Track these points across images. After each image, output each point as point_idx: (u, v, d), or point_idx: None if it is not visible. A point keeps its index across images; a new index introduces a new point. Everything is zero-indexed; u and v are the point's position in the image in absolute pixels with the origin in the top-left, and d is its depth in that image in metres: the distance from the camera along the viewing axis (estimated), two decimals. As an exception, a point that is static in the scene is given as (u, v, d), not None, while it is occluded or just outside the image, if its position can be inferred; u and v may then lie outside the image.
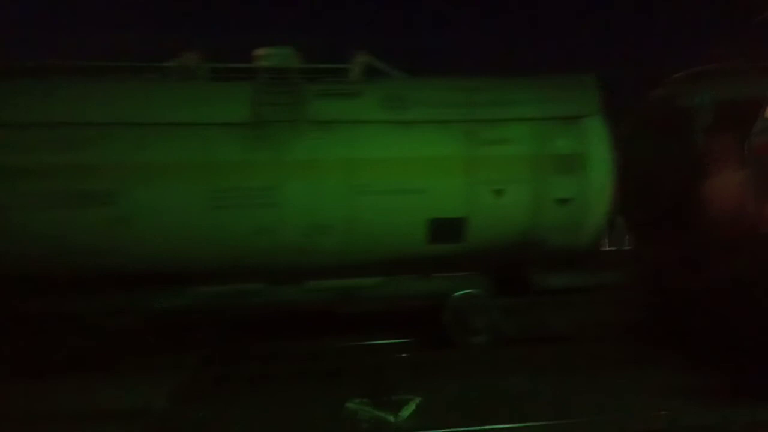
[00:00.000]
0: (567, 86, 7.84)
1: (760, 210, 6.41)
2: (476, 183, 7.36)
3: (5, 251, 6.69)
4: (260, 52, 7.79)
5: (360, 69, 7.83)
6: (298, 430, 5.27)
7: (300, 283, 7.54)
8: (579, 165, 7.54)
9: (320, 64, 7.77)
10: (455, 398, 5.81)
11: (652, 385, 6.05)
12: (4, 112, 6.77)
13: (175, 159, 6.95)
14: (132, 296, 7.17)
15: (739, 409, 5.25)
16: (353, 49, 7.95)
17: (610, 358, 7.11)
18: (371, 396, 5.63)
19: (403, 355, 7.54)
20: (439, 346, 7.71)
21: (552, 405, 5.56)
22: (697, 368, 6.55)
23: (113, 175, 6.81)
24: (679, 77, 9.01)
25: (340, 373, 6.76)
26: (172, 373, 6.74)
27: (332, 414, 5.42)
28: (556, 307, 7.86)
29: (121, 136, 6.89)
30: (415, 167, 7.28)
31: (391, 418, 5.29)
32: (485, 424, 5.08)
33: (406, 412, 5.40)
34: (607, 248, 11.95)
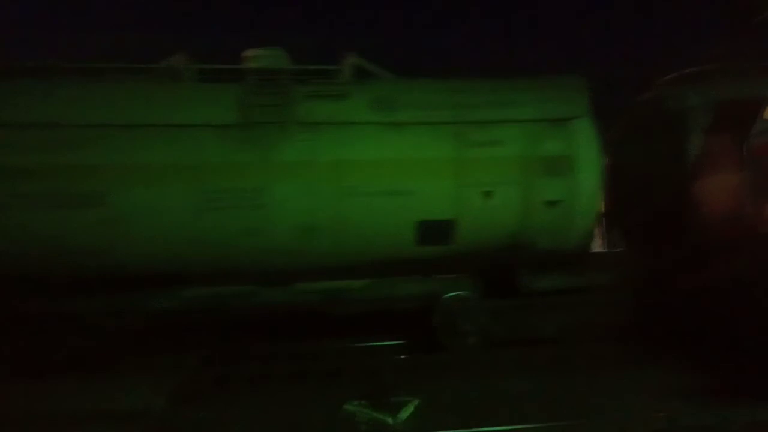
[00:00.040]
0: (556, 88, 7.84)
1: (759, 211, 6.39)
2: (465, 185, 7.36)
3: (1, 251, 6.69)
4: (250, 53, 7.79)
5: (350, 70, 7.83)
6: (298, 431, 5.27)
7: (290, 285, 7.53)
8: (568, 167, 7.54)
9: (309, 66, 7.76)
10: (454, 400, 5.83)
11: (651, 385, 6.07)
12: None
13: (165, 160, 6.93)
14: (123, 298, 7.16)
15: (739, 409, 5.27)
16: (346, 50, 7.95)
17: (609, 358, 7.13)
18: (370, 397, 5.63)
19: (402, 356, 7.55)
20: (437, 347, 7.69)
21: (551, 406, 5.58)
22: (696, 369, 6.57)
23: (102, 177, 6.80)
24: (668, 79, 9.04)
25: (340, 374, 6.78)
26: (172, 373, 6.77)
27: (331, 415, 5.44)
28: (546, 309, 7.87)
29: (110, 138, 6.87)
30: (403, 169, 7.28)
31: (390, 420, 5.30)
32: (484, 426, 5.10)
33: (405, 413, 5.41)
34: (599, 250, 12.00)
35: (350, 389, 5.91)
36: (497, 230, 7.48)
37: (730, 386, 5.90)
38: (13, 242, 6.68)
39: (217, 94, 7.27)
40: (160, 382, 6.37)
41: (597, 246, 12.27)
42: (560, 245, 7.71)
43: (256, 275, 7.43)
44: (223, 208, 6.99)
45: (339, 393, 5.84)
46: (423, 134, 7.39)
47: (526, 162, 7.46)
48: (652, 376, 6.36)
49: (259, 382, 6.59)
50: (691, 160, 8.02)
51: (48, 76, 7.05)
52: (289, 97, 7.25)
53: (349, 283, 7.63)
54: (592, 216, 7.84)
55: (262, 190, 7.06)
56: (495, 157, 7.42)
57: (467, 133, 7.41)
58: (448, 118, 7.43)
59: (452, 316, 7.66)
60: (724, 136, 7.83)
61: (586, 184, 7.61)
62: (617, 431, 5.10)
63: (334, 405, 5.57)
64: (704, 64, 8.82)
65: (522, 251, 7.65)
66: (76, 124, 6.78)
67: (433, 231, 7.37)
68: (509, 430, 5.08)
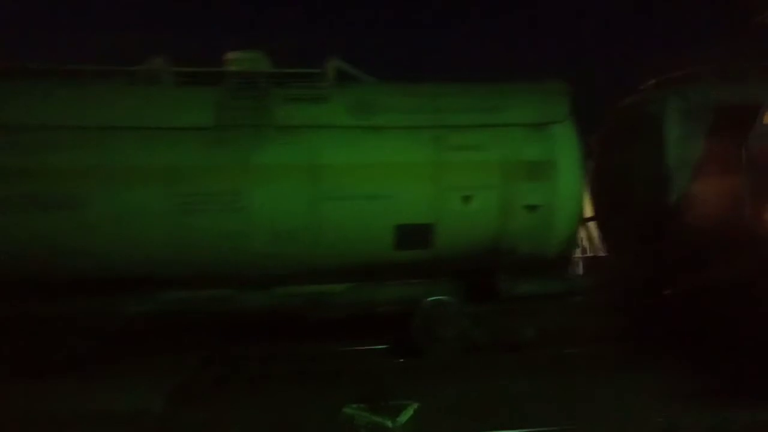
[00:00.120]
0: (536, 92, 7.82)
1: (757, 214, 6.39)
2: (444, 189, 7.32)
3: None
4: (230, 56, 7.77)
5: (331, 74, 7.80)
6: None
7: (269, 289, 7.48)
8: (548, 171, 7.51)
9: (290, 69, 7.72)
10: (453, 403, 5.80)
11: (651, 386, 6.05)
12: None
13: (141, 163, 6.88)
14: (99, 301, 7.09)
15: (739, 410, 5.25)
16: (337, 53, 7.92)
17: (608, 360, 7.15)
18: (369, 401, 5.59)
19: (401, 359, 7.55)
20: (417, 352, 7.66)
21: (551, 408, 5.56)
22: (696, 370, 6.57)
23: (77, 179, 6.73)
24: (651, 84, 9.04)
25: (339, 376, 6.77)
26: (172, 373, 6.77)
27: (331, 416, 5.41)
28: (526, 314, 7.85)
29: (85, 140, 6.81)
30: (382, 173, 7.24)
31: (389, 424, 5.25)
32: (484, 430, 5.07)
33: (404, 417, 5.37)
34: (582, 255, 11.99)
35: (349, 391, 5.89)
36: (477, 235, 7.44)
37: (729, 387, 5.89)
38: None
39: (195, 97, 7.22)
40: (159, 383, 6.35)
41: (583, 251, 12.28)
42: (541, 250, 7.68)
43: (235, 279, 7.37)
44: (201, 212, 6.95)
45: (338, 395, 5.82)
46: (402, 138, 7.36)
47: (506, 166, 7.43)
48: (651, 377, 6.35)
49: (259, 383, 6.58)
50: (671, 164, 8.03)
51: (21, 78, 7.00)
52: (267, 101, 7.22)
53: (329, 287, 7.58)
54: (574, 221, 7.82)
55: (240, 194, 7.02)
56: (474, 161, 7.38)
57: (447, 137, 7.38)
58: (427, 122, 7.39)
59: (432, 321, 7.62)
60: (714, 139, 7.85)
61: (567, 188, 7.59)
62: None
63: (333, 407, 5.54)
64: (689, 68, 8.83)
65: (502, 256, 7.61)
66: (52, 126, 6.72)
67: (412, 235, 7.33)
68: None
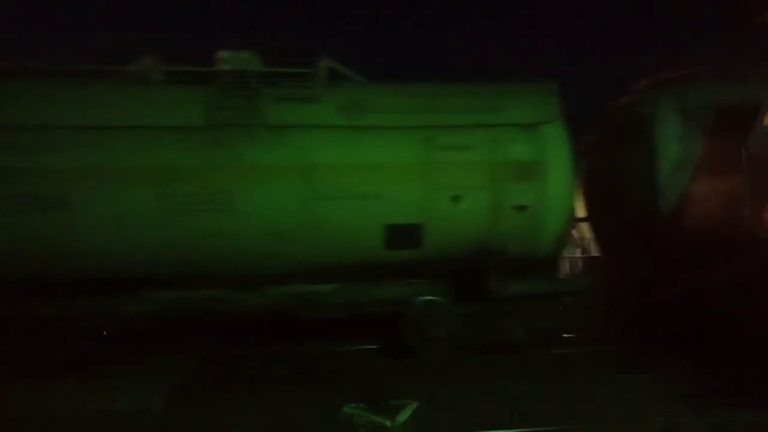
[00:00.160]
0: (526, 93, 7.84)
1: (757, 214, 6.39)
2: (434, 189, 7.34)
3: None
4: (221, 55, 7.77)
5: (323, 74, 7.81)
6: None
7: (260, 289, 7.49)
8: (538, 172, 7.53)
9: (281, 69, 7.73)
10: (452, 403, 5.81)
11: (651, 387, 6.05)
12: None
13: (131, 163, 6.90)
14: (99, 301, 7.12)
15: (739, 410, 5.25)
16: (331, 53, 7.93)
17: (609, 360, 7.16)
18: (368, 400, 5.59)
19: (401, 359, 7.55)
20: (407, 352, 7.66)
21: (551, 409, 5.56)
22: (696, 370, 6.58)
23: (66, 179, 6.75)
24: (642, 85, 9.04)
25: (339, 376, 6.78)
26: (172, 373, 6.78)
27: (330, 416, 5.41)
28: (516, 314, 7.85)
29: (75, 140, 6.83)
30: (372, 173, 7.26)
31: (389, 423, 5.24)
32: (483, 430, 5.07)
33: (403, 417, 5.36)
34: (573, 256, 11.99)
35: (349, 391, 5.89)
36: (466, 235, 7.45)
37: (729, 387, 5.90)
38: None
39: (185, 97, 7.24)
40: (159, 383, 6.34)
41: (574, 251, 12.29)
42: (530, 250, 7.69)
43: (226, 279, 7.39)
44: (192, 212, 6.96)
45: (338, 394, 5.81)
46: (392, 138, 7.37)
47: (496, 167, 7.44)
48: (651, 377, 6.36)
49: (259, 383, 6.59)
50: (664, 165, 8.03)
51: (10, 78, 7.01)
52: (257, 100, 7.23)
53: (320, 287, 7.59)
54: (564, 221, 7.82)
55: (231, 194, 7.04)
56: (464, 161, 7.40)
57: (436, 138, 7.40)
58: (417, 122, 7.41)
59: (421, 321, 7.63)
60: (713, 139, 7.84)
61: (557, 189, 7.59)
62: None
63: (332, 406, 5.54)
64: (689, 68, 8.83)
65: (492, 256, 7.62)
66: (40, 126, 6.74)
67: (402, 235, 7.35)
68: None
